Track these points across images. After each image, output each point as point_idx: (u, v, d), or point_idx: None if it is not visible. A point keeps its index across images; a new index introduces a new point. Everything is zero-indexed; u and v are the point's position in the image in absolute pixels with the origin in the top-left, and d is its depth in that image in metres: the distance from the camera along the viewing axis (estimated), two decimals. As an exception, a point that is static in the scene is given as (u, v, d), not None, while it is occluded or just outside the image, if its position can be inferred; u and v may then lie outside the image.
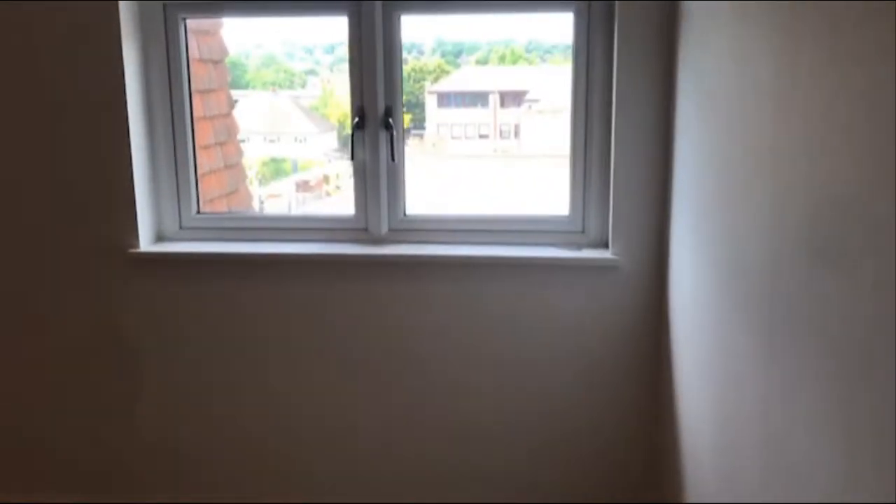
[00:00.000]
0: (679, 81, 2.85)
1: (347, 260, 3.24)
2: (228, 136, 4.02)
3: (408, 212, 3.37)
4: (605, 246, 3.22)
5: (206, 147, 3.77)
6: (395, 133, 3.24)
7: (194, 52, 3.72)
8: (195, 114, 3.51)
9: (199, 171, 3.55)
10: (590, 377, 3.25)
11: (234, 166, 4.08)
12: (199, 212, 3.46)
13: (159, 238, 3.42)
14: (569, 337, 3.23)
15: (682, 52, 2.80)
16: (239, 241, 3.40)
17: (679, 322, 2.86)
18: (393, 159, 3.26)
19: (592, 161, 3.19)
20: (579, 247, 3.22)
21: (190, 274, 3.34)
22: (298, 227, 3.39)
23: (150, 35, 3.27)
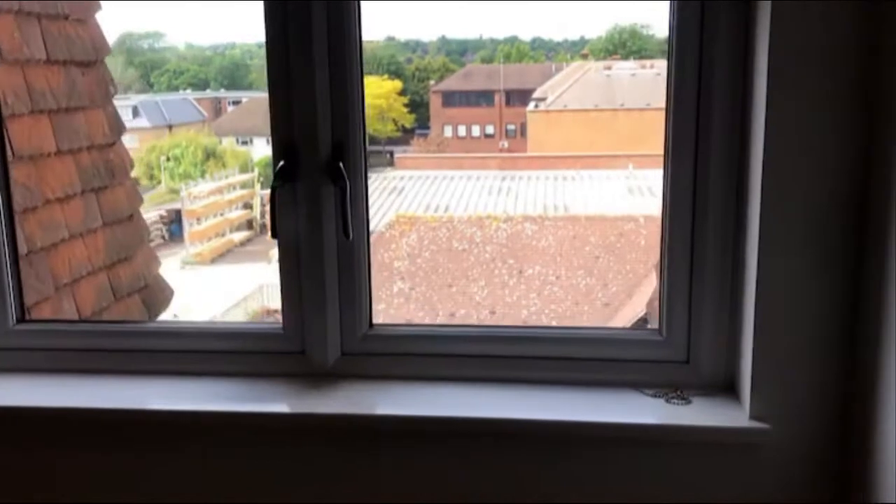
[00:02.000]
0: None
1: (262, 423, 1.72)
2: (113, 178, 2.50)
3: (376, 321, 1.85)
4: (731, 389, 1.70)
5: (65, 199, 2.26)
6: (349, 188, 1.72)
7: (33, 51, 2.20)
8: (41, 148, 2.00)
9: (44, 241, 2.04)
10: None
11: (124, 221, 2.57)
12: (25, 318, 1.94)
13: (-51, 369, 1.90)
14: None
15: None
16: (90, 371, 1.88)
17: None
18: (346, 234, 1.74)
19: (707, 233, 1.67)
20: (682, 395, 1.69)
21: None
22: (195, 349, 1.86)
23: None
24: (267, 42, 1.70)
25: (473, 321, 12.70)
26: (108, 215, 2.46)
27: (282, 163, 1.73)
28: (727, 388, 1.69)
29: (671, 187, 1.68)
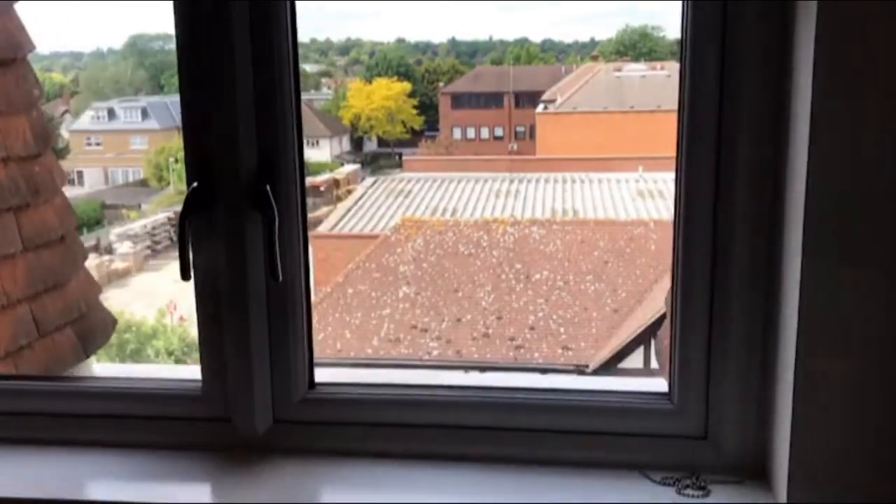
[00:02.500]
0: None
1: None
2: (37, 195, 2.14)
3: (320, 379, 1.48)
4: (761, 476, 1.32)
5: (-28, 222, 1.91)
6: (277, 218, 1.35)
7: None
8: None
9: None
10: None
11: (53, 244, 2.21)
12: None
13: None
14: None
15: None
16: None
17: None
18: (275, 276, 1.37)
19: (731, 267, 1.29)
20: (699, 482, 1.31)
21: None
22: (98, 414, 1.51)
23: None
24: (178, 43, 1.34)
25: (480, 327, 12.33)
26: (31, 238, 2.10)
27: (195, 184, 1.36)
28: (757, 474, 1.31)
29: (685, 209, 1.31)
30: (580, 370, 11.74)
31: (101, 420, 1.48)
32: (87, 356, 2.28)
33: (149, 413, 1.47)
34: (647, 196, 19.57)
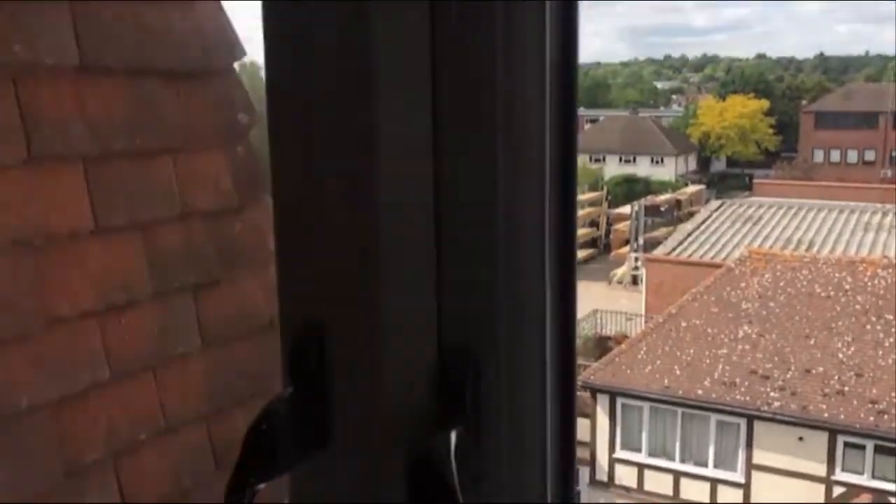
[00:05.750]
0: None
1: None
2: (230, 266, 1.45)
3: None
4: None
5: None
6: None
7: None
8: None
9: None
10: None
11: (256, 333, 1.51)
12: None
13: None
14: None
15: None
16: None
17: None
18: None
19: None
20: None
21: None
22: None
23: None
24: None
25: (834, 383, 10.31)
26: (218, 329, 1.41)
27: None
28: None
29: None
30: (963, 452, 9.31)
31: None
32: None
33: None
34: None
